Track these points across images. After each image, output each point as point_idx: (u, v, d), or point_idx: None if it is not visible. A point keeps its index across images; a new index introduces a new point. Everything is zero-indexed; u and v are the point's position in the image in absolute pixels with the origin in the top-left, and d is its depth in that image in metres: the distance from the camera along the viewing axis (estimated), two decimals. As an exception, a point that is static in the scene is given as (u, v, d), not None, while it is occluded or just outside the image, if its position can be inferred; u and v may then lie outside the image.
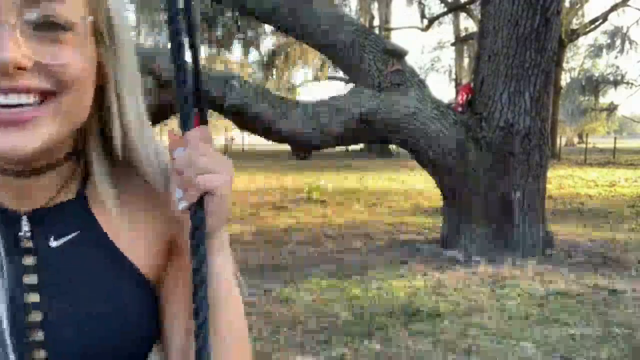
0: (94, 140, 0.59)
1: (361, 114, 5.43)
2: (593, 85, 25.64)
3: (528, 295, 4.12)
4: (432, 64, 32.51)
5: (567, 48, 23.59)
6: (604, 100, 29.47)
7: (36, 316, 0.54)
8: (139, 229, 0.60)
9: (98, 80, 0.55)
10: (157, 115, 6.94)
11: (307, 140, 5.47)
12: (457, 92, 8.18)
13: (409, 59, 5.95)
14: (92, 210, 0.59)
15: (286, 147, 5.99)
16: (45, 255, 0.56)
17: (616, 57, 25.40)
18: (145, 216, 0.61)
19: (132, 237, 0.60)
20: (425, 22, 22.34)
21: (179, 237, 0.61)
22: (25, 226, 0.56)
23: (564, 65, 25.52)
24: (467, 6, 20.70)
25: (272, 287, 4.27)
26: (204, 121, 0.61)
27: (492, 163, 5.36)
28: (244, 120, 5.83)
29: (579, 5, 20.11)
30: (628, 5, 22.62)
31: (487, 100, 5.45)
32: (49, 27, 0.48)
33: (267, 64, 22.62)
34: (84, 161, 0.60)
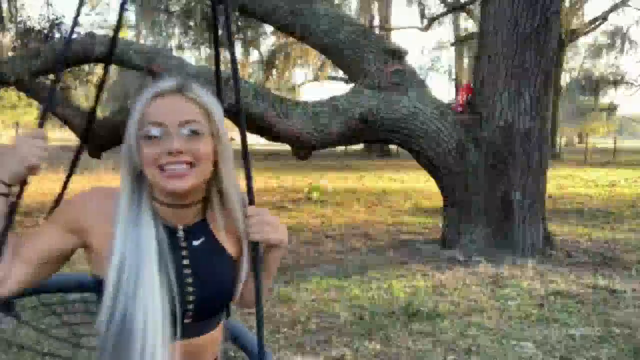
0: (214, 190, 1.10)
1: (361, 114, 5.43)
2: (593, 85, 25.67)
3: (528, 295, 4.12)
4: (432, 64, 32.53)
5: (567, 48, 23.57)
6: (604, 100, 29.49)
7: (189, 280, 1.06)
8: (229, 236, 1.12)
9: (214, 158, 1.05)
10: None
11: (307, 140, 5.47)
12: (457, 92, 8.18)
13: (409, 59, 5.95)
14: (210, 226, 1.11)
15: (286, 147, 5.98)
16: (191, 250, 1.08)
17: (616, 57, 25.46)
18: (231, 230, 1.12)
19: (227, 239, 1.12)
20: (425, 22, 22.34)
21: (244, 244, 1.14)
22: (181, 234, 1.08)
23: (564, 65, 25.52)
24: (467, 6, 20.70)
25: (273, 287, 4.27)
26: (242, 130, 1.15)
27: (492, 163, 5.36)
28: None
29: (579, 5, 20.11)
30: (628, 5, 22.62)
31: (487, 100, 5.45)
32: (190, 133, 1.00)
33: (267, 64, 22.60)
34: (205, 202, 1.11)
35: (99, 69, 14.49)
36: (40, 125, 1.15)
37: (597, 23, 23.04)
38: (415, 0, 21.64)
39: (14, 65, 6.49)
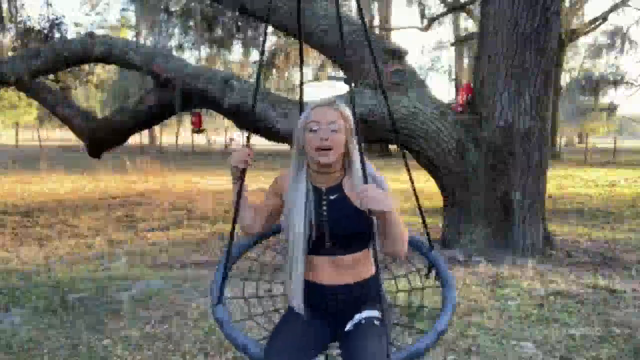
0: (347, 163, 1.82)
1: (361, 114, 5.43)
2: (593, 85, 25.64)
3: (528, 295, 4.12)
4: (432, 64, 32.54)
5: (567, 48, 23.56)
6: (604, 100, 29.45)
7: (326, 217, 1.77)
8: (356, 196, 1.70)
9: (347, 144, 1.78)
10: (157, 114, 6.94)
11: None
12: (457, 92, 8.17)
13: (409, 59, 5.95)
14: (344, 187, 1.80)
15: (286, 147, 5.97)
16: (330, 202, 1.78)
17: (616, 57, 25.42)
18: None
19: (354, 197, 1.74)
20: (425, 22, 22.31)
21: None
22: (324, 191, 1.80)
23: (564, 65, 25.50)
24: (467, 6, 20.69)
25: (273, 287, 4.26)
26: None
27: (492, 163, 5.36)
28: (244, 120, 5.83)
29: (579, 5, 20.09)
30: (628, 5, 22.60)
31: (487, 100, 5.45)
32: (334, 128, 1.74)
33: (267, 64, 22.59)
34: (343, 171, 1.83)
35: (99, 69, 14.49)
36: (247, 141, 1.92)
37: (597, 23, 23.01)
38: (415, 0, 21.62)
39: (14, 65, 6.49)
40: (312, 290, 1.76)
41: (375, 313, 1.77)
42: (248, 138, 1.94)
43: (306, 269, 1.74)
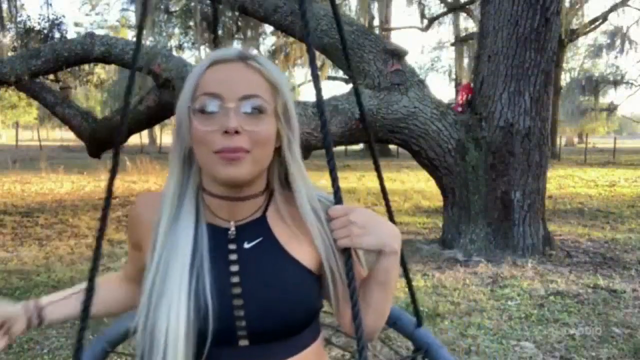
0: (277, 182, 0.93)
1: (361, 114, 5.43)
2: (593, 85, 25.65)
3: (528, 295, 4.12)
4: (432, 64, 32.51)
5: (567, 48, 23.56)
6: (604, 100, 29.48)
7: (237, 290, 0.85)
8: (299, 239, 0.90)
9: (277, 142, 0.88)
10: (157, 114, 6.95)
11: (307, 140, 5.47)
12: (457, 92, 8.17)
13: (409, 59, 5.95)
14: (270, 225, 0.90)
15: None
16: (242, 253, 0.88)
17: (616, 57, 25.43)
18: (303, 233, 0.90)
19: (295, 243, 0.90)
20: (425, 22, 22.32)
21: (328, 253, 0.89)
22: (232, 233, 0.89)
23: (564, 65, 25.51)
24: (467, 6, 20.68)
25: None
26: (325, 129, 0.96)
27: (492, 163, 5.36)
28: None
29: (579, 5, 20.09)
30: (628, 5, 22.60)
31: (487, 100, 5.45)
32: (253, 111, 0.82)
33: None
34: (268, 195, 0.93)
35: (99, 69, 14.49)
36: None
37: (597, 23, 23.02)
38: (415, 0, 21.62)
39: (14, 65, 6.49)
40: None
41: None
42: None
43: None
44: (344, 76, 21.93)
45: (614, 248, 5.81)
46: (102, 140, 7.33)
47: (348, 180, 13.48)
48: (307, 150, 5.70)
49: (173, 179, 0.88)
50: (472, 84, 5.85)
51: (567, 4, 18.31)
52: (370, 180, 13.46)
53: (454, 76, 27.17)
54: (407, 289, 1.25)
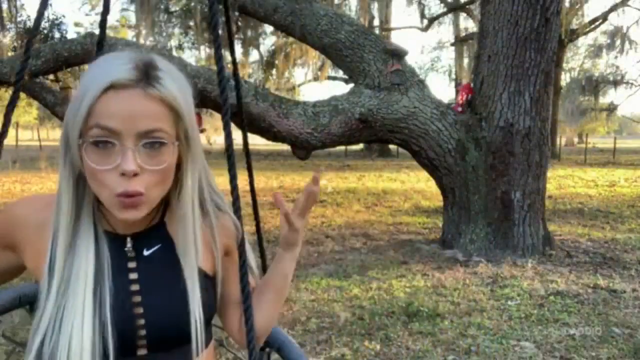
0: (173, 193, 0.88)
1: (361, 114, 5.43)
2: (593, 85, 25.66)
3: (528, 295, 4.12)
4: (432, 64, 32.54)
5: (567, 48, 23.56)
6: (604, 100, 29.50)
7: (137, 298, 0.84)
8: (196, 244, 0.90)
9: (178, 161, 0.84)
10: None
11: (307, 140, 5.48)
12: (457, 92, 8.17)
13: (409, 59, 5.95)
14: (169, 230, 0.90)
15: (286, 147, 5.98)
16: (141, 261, 0.87)
17: (616, 57, 25.42)
18: (201, 237, 0.90)
19: (186, 258, 0.89)
20: (425, 22, 22.33)
21: (229, 249, 0.97)
22: (129, 243, 0.87)
23: (564, 65, 25.50)
24: (467, 6, 20.68)
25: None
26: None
27: (492, 163, 5.36)
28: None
29: (579, 5, 20.09)
30: (628, 5, 22.60)
31: (487, 100, 5.45)
32: (152, 146, 0.78)
33: (267, 64, 22.60)
34: (165, 201, 0.90)
35: (99, 69, 14.52)
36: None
37: (597, 23, 23.02)
38: (415, 0, 21.62)
39: (14, 65, 6.49)
40: None
41: None
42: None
43: None
44: (344, 76, 21.92)
45: (614, 248, 5.81)
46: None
47: (348, 180, 13.48)
48: (307, 150, 5.70)
49: (66, 196, 0.82)
50: (472, 84, 5.85)
51: (567, 4, 18.31)
52: (370, 180, 13.47)
53: (454, 76, 27.17)
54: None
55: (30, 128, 41.86)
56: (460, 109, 5.72)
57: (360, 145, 24.10)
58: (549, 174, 5.93)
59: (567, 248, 5.66)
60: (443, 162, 5.47)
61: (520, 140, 5.30)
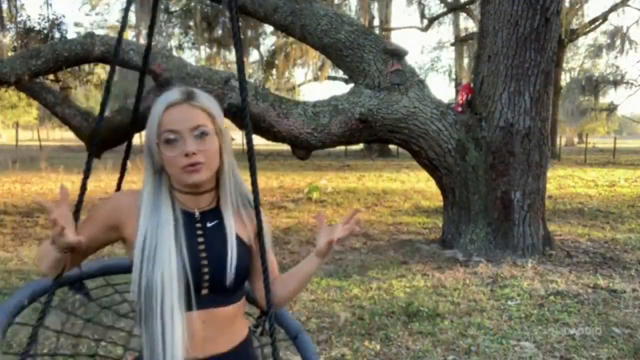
0: (223, 178, 1.29)
1: (361, 114, 5.43)
2: (593, 85, 25.67)
3: (528, 295, 4.12)
4: (432, 64, 32.50)
5: (567, 48, 23.56)
6: (603, 100, 29.50)
7: (203, 254, 1.23)
8: (240, 220, 1.31)
9: (220, 151, 1.25)
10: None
11: (307, 140, 5.47)
12: (457, 92, 8.17)
13: (409, 59, 5.96)
14: (222, 211, 1.29)
15: (286, 147, 5.98)
16: (206, 230, 1.27)
17: (616, 57, 25.44)
18: (241, 215, 1.33)
19: (238, 224, 1.30)
20: (425, 22, 22.33)
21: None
22: (198, 216, 1.27)
23: (564, 65, 25.50)
24: (467, 6, 20.69)
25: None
26: (246, 126, 1.40)
27: (492, 163, 5.36)
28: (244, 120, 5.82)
29: (579, 5, 20.09)
30: (628, 5, 22.61)
31: (487, 100, 5.45)
32: (200, 136, 1.20)
33: (267, 64, 22.61)
34: (217, 189, 1.30)
35: (99, 69, 14.50)
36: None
37: (597, 23, 23.02)
38: (415, 0, 21.62)
39: (14, 65, 6.49)
40: None
41: None
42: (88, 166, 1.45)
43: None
44: (344, 76, 21.92)
45: (614, 248, 5.81)
46: (102, 140, 7.32)
47: (348, 180, 13.48)
48: (307, 150, 5.70)
49: (148, 186, 1.25)
50: (472, 84, 5.85)
51: (567, 4, 18.32)
52: (370, 180, 13.47)
53: (454, 76, 27.17)
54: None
55: (30, 128, 41.86)
56: (460, 109, 5.72)
57: (360, 145, 24.09)
58: (549, 174, 5.93)
59: (567, 248, 5.66)
60: (443, 162, 5.47)
61: (520, 140, 5.30)
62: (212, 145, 1.22)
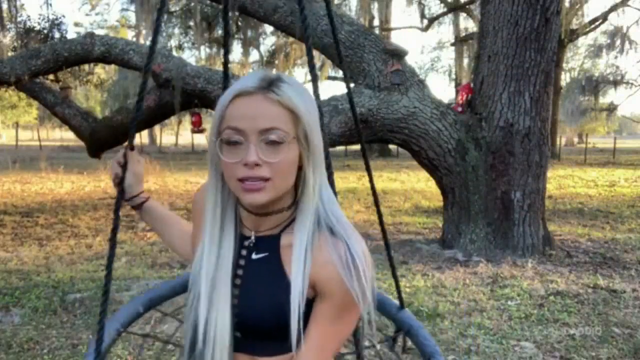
0: (301, 201, 0.97)
1: (361, 114, 5.43)
2: (593, 85, 25.64)
3: (528, 295, 4.12)
4: (432, 64, 32.54)
5: (567, 48, 23.56)
6: (603, 100, 29.49)
7: (236, 291, 0.97)
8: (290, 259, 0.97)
9: (299, 163, 0.93)
10: (157, 114, 6.95)
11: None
12: (457, 92, 8.18)
13: (409, 59, 5.95)
14: (281, 244, 0.97)
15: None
16: (248, 262, 0.99)
17: (616, 57, 25.43)
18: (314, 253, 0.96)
19: (295, 266, 0.93)
20: (425, 22, 22.32)
21: (318, 285, 0.94)
22: (252, 240, 0.99)
23: (564, 65, 25.50)
24: (467, 6, 20.68)
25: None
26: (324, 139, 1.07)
27: (492, 163, 5.36)
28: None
29: (579, 5, 20.09)
30: (628, 5, 22.59)
31: (487, 100, 5.45)
32: (272, 143, 0.88)
33: (267, 64, 22.61)
34: (294, 210, 0.99)
35: (99, 69, 14.50)
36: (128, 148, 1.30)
37: (597, 23, 23.02)
38: (415, 0, 21.62)
39: (14, 65, 6.49)
40: None
41: None
42: (130, 141, 1.29)
43: None
44: (344, 76, 21.89)
45: (614, 248, 5.81)
46: (102, 140, 7.33)
47: (348, 180, 13.48)
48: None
49: (212, 196, 1.00)
50: (472, 84, 5.85)
51: (567, 4, 18.31)
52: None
53: (454, 76, 27.17)
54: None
55: (30, 128, 41.87)
56: (460, 109, 5.72)
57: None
58: (549, 174, 5.93)
59: (567, 248, 5.66)
60: (443, 162, 5.47)
61: (520, 140, 5.30)
62: (286, 157, 0.90)
